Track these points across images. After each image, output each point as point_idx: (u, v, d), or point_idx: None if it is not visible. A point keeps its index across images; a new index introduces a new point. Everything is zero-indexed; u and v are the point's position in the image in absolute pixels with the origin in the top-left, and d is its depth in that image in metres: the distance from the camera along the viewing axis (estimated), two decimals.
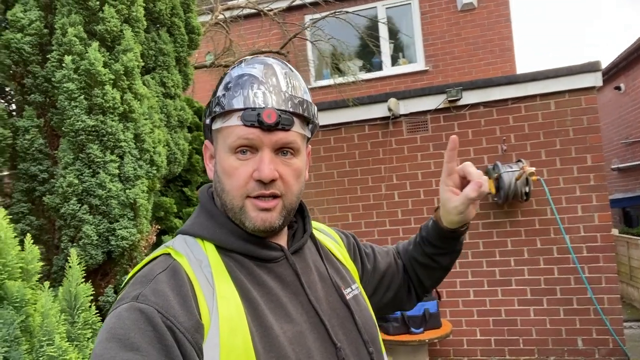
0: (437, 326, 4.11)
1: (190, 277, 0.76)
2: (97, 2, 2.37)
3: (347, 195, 4.89)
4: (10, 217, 2.38)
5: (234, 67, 0.86)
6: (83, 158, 2.33)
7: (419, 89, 4.83)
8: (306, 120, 0.86)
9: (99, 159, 2.33)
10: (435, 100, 4.62)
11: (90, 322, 1.83)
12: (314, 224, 1.03)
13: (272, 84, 0.81)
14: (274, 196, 0.81)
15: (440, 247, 1.08)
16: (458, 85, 4.56)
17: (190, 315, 0.70)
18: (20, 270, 1.66)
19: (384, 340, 3.98)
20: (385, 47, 7.49)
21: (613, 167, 10.26)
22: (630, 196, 9.26)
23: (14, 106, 2.58)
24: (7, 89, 2.53)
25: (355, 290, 0.97)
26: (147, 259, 0.83)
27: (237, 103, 0.79)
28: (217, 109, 0.81)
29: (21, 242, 1.73)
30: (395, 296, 1.13)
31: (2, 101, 2.51)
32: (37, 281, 1.74)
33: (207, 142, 0.91)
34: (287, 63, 0.89)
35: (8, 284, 1.58)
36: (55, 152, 2.40)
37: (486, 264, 4.52)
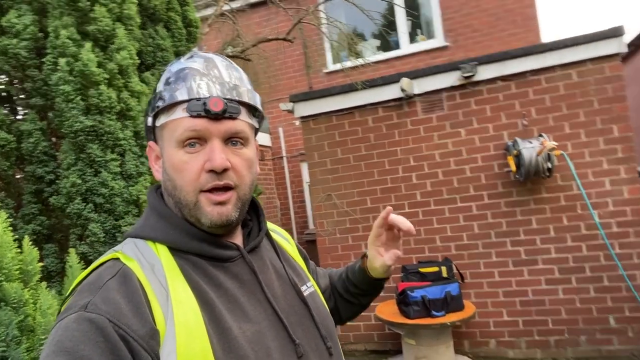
0: (460, 309, 4.03)
1: (142, 281, 0.73)
2: (88, 3, 2.38)
3: (364, 180, 4.83)
4: (22, 218, 2.46)
5: (173, 63, 0.85)
6: (84, 158, 2.37)
7: (433, 66, 4.67)
8: (252, 111, 0.85)
9: (99, 158, 2.37)
10: (449, 78, 4.47)
11: None
12: (268, 224, 1.02)
13: (214, 75, 0.80)
14: (228, 188, 0.79)
15: (364, 290, 1.12)
16: (473, 60, 4.38)
17: (144, 322, 0.68)
18: (19, 271, 1.71)
19: (405, 324, 3.94)
20: (402, 25, 7.30)
21: None
22: None
23: (20, 110, 2.66)
24: (8, 93, 2.59)
25: (310, 287, 0.96)
26: (93, 265, 0.80)
27: (181, 95, 0.77)
28: (160, 103, 0.79)
29: (35, 243, 1.78)
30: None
31: (7, 106, 2.57)
32: (37, 281, 1.80)
33: (150, 143, 0.89)
34: (226, 57, 0.88)
35: (6, 285, 1.64)
36: (58, 153, 2.46)
37: (510, 244, 4.39)
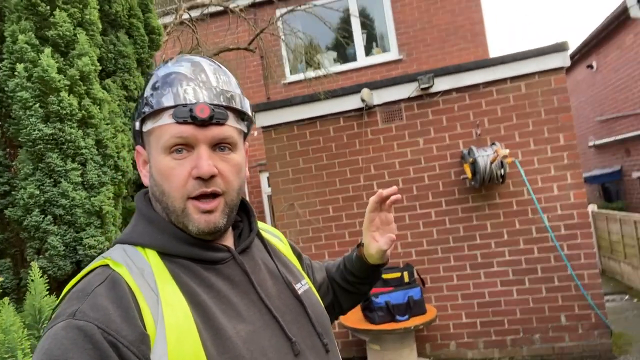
0: (422, 312, 4.13)
1: (132, 286, 0.72)
2: (48, 7, 2.30)
3: (327, 189, 4.87)
4: None
5: (160, 67, 0.83)
6: (43, 168, 2.27)
7: (391, 78, 4.82)
8: (241, 115, 0.84)
9: (59, 168, 2.27)
10: (407, 89, 4.61)
11: None
12: (259, 224, 1.01)
13: (201, 80, 0.79)
14: (215, 195, 0.79)
15: (362, 277, 1.12)
16: (429, 72, 4.56)
17: (133, 327, 0.68)
18: None
19: (370, 330, 3.98)
20: (359, 38, 7.48)
21: (590, 144, 10.42)
22: (608, 172, 9.42)
23: None
24: None
25: (305, 285, 0.97)
26: (82, 272, 0.78)
27: (167, 101, 0.76)
28: (147, 109, 0.78)
29: None
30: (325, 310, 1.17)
31: None
32: None
33: (138, 147, 0.87)
34: (214, 60, 0.87)
35: None
36: (14, 163, 2.34)
37: (467, 248, 4.55)
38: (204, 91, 0.77)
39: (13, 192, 2.35)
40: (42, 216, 2.26)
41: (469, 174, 4.31)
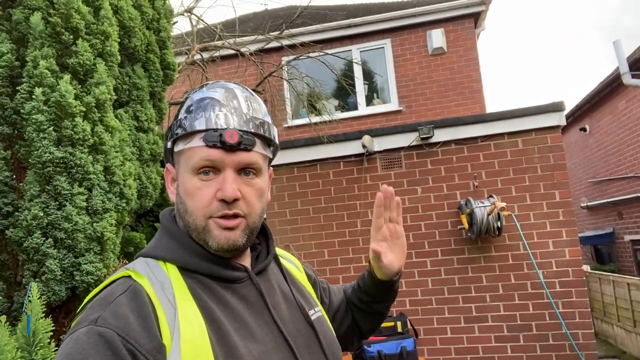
0: None
1: (152, 298, 0.74)
2: (71, 37, 2.39)
3: (323, 232, 4.87)
4: None
5: (196, 90, 0.88)
6: (49, 190, 2.28)
7: (392, 126, 4.95)
8: (267, 142, 0.88)
9: (66, 191, 2.28)
10: (408, 138, 4.72)
11: (48, 359, 1.74)
12: (277, 250, 1.03)
13: (233, 106, 0.82)
14: (237, 216, 0.81)
15: (375, 295, 1.10)
16: (429, 123, 4.68)
17: (151, 336, 0.69)
18: None
19: None
20: (360, 88, 7.71)
21: (582, 205, 10.55)
22: (600, 233, 9.48)
23: None
24: None
25: (318, 312, 0.97)
26: (106, 281, 0.81)
27: (200, 124, 0.80)
28: (179, 131, 0.82)
29: None
30: (344, 334, 1.14)
31: None
32: None
33: (168, 165, 0.91)
34: (247, 87, 0.91)
35: None
36: (21, 184, 2.35)
37: (462, 300, 4.51)
38: (234, 117, 0.81)
39: (16, 213, 2.34)
40: (43, 239, 2.25)
41: (465, 225, 4.34)
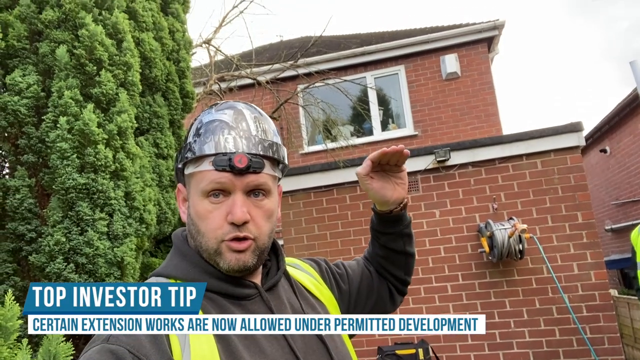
0: None
1: None
2: (95, 68, 2.48)
3: (341, 257, 4.82)
4: None
5: (204, 113, 0.89)
6: (72, 216, 2.32)
7: (408, 150, 4.94)
8: (276, 162, 0.88)
9: (88, 217, 2.33)
10: (424, 161, 4.71)
11: None
12: (288, 259, 1.04)
13: (242, 129, 0.84)
14: (247, 238, 0.82)
15: (387, 232, 1.10)
16: (446, 146, 4.67)
17: (162, 352, 0.70)
18: None
19: None
20: (375, 113, 7.76)
21: (607, 228, 10.28)
22: (627, 257, 9.19)
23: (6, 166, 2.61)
24: (1, 150, 2.57)
25: None
26: None
27: (209, 149, 0.81)
28: (189, 155, 0.84)
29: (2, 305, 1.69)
30: (377, 301, 1.13)
31: None
32: (15, 340, 1.68)
33: (179, 185, 0.93)
34: (256, 107, 0.92)
35: None
36: (45, 210, 2.40)
37: (486, 326, 4.38)
38: (243, 140, 0.82)
39: (39, 239, 2.39)
40: (65, 264, 2.28)
41: (486, 248, 4.26)
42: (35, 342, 2.23)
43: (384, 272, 1.15)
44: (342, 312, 1.05)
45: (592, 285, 4.19)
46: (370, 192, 1.06)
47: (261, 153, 0.83)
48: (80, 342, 2.31)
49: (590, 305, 4.17)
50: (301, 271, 1.06)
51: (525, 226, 4.07)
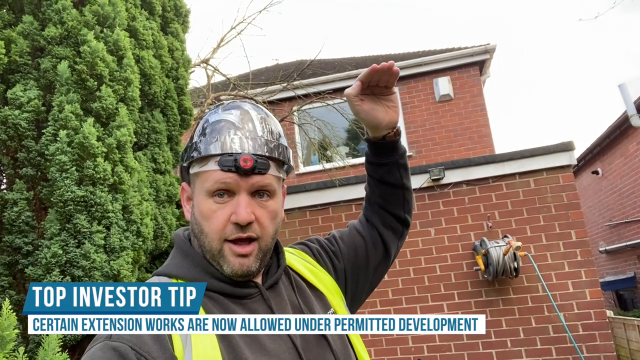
0: None
1: None
2: (95, 83, 2.52)
3: None
4: None
5: (211, 112, 0.89)
6: (69, 228, 2.33)
7: None
8: (281, 162, 0.89)
9: (85, 229, 2.33)
10: (419, 180, 4.75)
11: None
12: (288, 249, 1.03)
13: (248, 129, 0.84)
14: (250, 239, 0.83)
15: (382, 163, 1.08)
16: (440, 164, 4.73)
17: (164, 349, 0.71)
18: None
19: None
20: None
21: (601, 249, 10.32)
22: (622, 278, 9.22)
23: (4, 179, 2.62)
24: None
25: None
26: None
27: (215, 149, 0.82)
28: (195, 154, 0.84)
29: None
30: (381, 254, 1.12)
31: None
32: (11, 349, 1.66)
33: (184, 184, 0.93)
34: (262, 107, 0.92)
35: None
36: (42, 223, 2.40)
37: (482, 346, 4.36)
38: (249, 141, 0.83)
39: (36, 252, 2.38)
40: (61, 276, 2.27)
41: (481, 266, 4.27)
42: (32, 351, 2.21)
43: (383, 214, 1.13)
44: (343, 289, 1.04)
45: (588, 303, 4.19)
46: (361, 114, 1.02)
47: (267, 154, 0.83)
48: (74, 355, 2.29)
49: (586, 324, 4.16)
50: (302, 261, 1.05)
51: (519, 243, 4.09)
